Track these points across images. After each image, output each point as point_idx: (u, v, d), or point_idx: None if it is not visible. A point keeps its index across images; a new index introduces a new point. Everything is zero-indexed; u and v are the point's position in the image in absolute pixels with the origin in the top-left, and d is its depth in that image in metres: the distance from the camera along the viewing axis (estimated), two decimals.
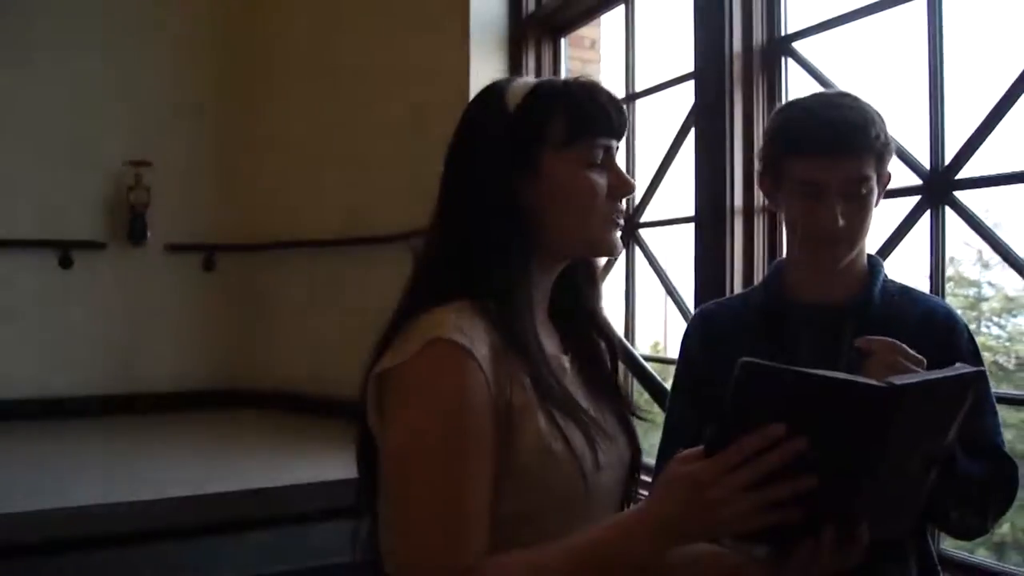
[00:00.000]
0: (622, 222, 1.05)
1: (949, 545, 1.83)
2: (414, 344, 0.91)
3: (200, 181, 4.10)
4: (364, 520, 1.02)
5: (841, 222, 1.29)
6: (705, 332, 1.49)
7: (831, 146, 1.28)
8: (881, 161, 1.31)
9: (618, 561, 0.84)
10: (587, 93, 1.02)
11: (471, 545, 0.86)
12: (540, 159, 1.01)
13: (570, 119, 1.01)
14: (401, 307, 1.01)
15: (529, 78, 1.08)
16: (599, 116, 1.02)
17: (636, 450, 1.08)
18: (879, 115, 1.33)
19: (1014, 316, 2.51)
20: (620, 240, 1.07)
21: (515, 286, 0.99)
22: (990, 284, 2.78)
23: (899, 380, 0.80)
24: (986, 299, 2.87)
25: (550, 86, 1.04)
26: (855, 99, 1.34)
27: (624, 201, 1.07)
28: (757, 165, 1.44)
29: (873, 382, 0.79)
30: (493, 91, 1.06)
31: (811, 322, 1.37)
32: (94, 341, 3.85)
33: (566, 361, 1.06)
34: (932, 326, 1.32)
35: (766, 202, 2.28)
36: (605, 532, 0.86)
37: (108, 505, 2.41)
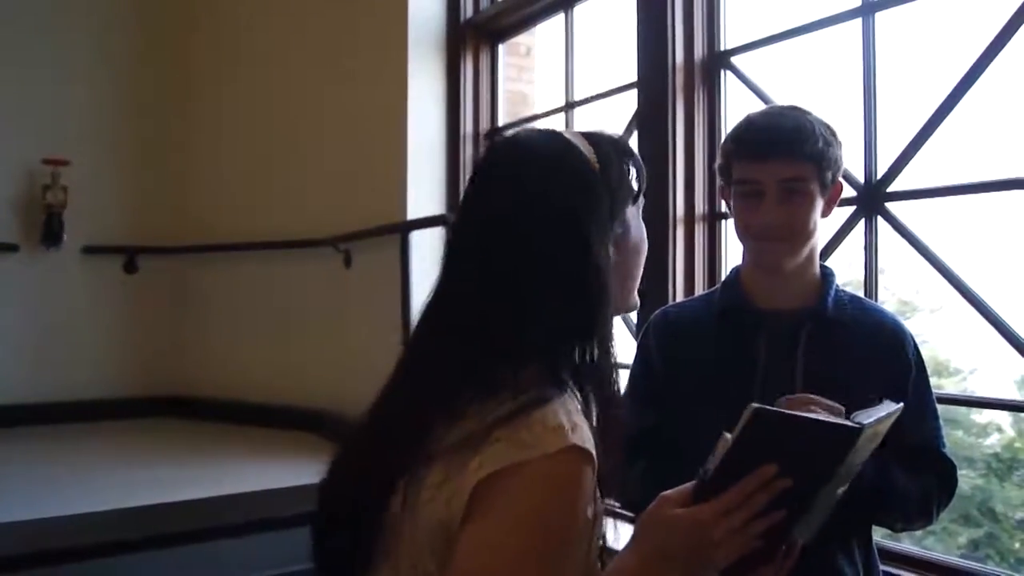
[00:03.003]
0: None
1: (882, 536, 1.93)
2: (546, 443, 0.79)
3: (122, 181, 3.96)
4: None
5: (775, 217, 1.36)
6: (664, 335, 1.52)
7: (764, 148, 1.37)
8: (820, 168, 1.37)
9: None
10: (629, 145, 1.00)
11: None
12: (627, 215, 0.95)
13: (636, 173, 0.97)
14: (450, 371, 0.87)
15: (559, 128, 1.00)
16: (644, 170, 1.00)
17: None
18: (825, 125, 1.40)
19: (907, 318, 2.69)
20: None
21: (614, 363, 0.92)
22: (885, 288, 2.98)
23: (864, 419, 0.93)
24: (882, 303, 3.10)
25: (601, 138, 0.97)
26: (801, 110, 1.42)
27: None
28: (718, 177, 1.50)
29: (848, 423, 0.91)
30: (565, 144, 0.94)
31: (768, 328, 1.42)
32: (8, 347, 3.67)
33: None
34: (881, 335, 1.40)
35: (706, 210, 2.35)
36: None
37: (29, 522, 2.29)
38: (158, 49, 4.05)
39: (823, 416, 0.92)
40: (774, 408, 0.87)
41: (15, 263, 3.71)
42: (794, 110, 1.42)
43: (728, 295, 1.49)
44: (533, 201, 0.90)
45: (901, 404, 1.05)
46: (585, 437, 0.82)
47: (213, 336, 3.97)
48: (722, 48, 2.36)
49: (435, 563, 0.81)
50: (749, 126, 1.43)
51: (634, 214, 0.97)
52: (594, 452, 0.82)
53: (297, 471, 2.71)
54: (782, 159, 1.36)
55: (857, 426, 0.90)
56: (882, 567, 1.45)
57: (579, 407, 0.86)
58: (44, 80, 3.77)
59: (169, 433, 3.73)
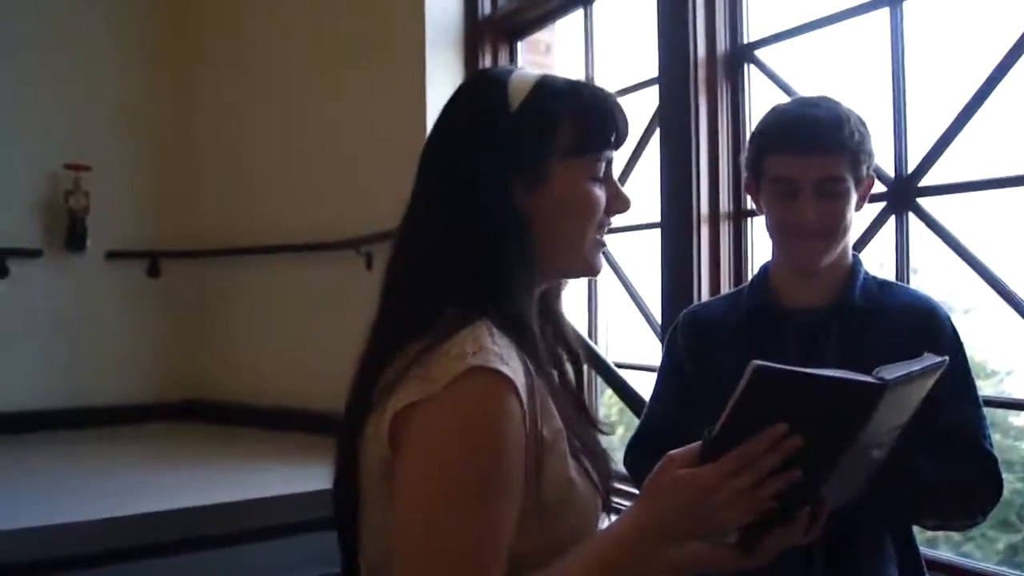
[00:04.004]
0: (607, 241, 0.99)
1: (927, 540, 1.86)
2: (447, 372, 0.81)
3: (143, 186, 3.96)
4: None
5: (812, 217, 1.31)
6: (693, 335, 1.50)
7: (802, 143, 1.31)
8: (856, 162, 1.32)
9: (617, 572, 0.82)
10: (597, 98, 0.94)
11: None
12: (544, 167, 0.91)
13: (579, 126, 0.92)
14: (390, 326, 0.92)
15: (527, 70, 0.97)
16: (608, 126, 0.94)
17: (611, 470, 1.04)
18: (857, 117, 1.36)
19: None
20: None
21: (527, 307, 0.91)
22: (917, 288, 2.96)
23: (887, 374, 0.84)
24: None
25: (556, 85, 0.94)
26: (832, 101, 1.37)
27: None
28: (744, 172, 1.45)
29: (867, 378, 0.83)
30: (492, 82, 0.94)
31: (796, 326, 1.38)
32: (33, 353, 3.67)
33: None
34: (914, 317, 1.35)
35: (731, 208, 2.31)
36: (602, 545, 0.84)
37: (52, 527, 2.28)
38: (178, 55, 4.04)
39: (834, 372, 0.84)
40: (777, 365, 0.81)
41: (39, 268, 3.72)
42: (825, 100, 1.37)
43: (756, 294, 1.46)
44: (437, 138, 0.95)
45: (945, 358, 0.96)
46: (491, 357, 0.81)
47: (235, 339, 3.96)
48: (745, 41, 2.31)
49: (387, 497, 0.84)
50: (781, 117, 1.37)
51: (567, 168, 0.92)
52: (508, 369, 0.81)
53: (319, 475, 2.68)
54: (820, 154, 1.30)
55: (878, 382, 0.83)
56: None
57: (495, 334, 0.85)
58: (65, 86, 3.77)
59: (191, 437, 3.73)
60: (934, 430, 1.23)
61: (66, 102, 3.77)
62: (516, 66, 0.98)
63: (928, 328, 1.32)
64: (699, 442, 0.84)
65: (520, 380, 0.83)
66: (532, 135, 0.91)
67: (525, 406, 0.83)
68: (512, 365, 0.83)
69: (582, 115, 0.92)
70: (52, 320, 3.75)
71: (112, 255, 3.89)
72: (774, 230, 1.41)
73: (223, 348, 3.98)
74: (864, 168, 1.34)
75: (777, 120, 1.38)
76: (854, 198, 1.35)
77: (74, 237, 3.74)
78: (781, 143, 1.34)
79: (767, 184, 1.38)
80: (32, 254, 3.69)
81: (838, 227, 1.34)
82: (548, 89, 0.93)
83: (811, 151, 1.31)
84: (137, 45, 3.98)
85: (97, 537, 2.31)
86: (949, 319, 1.36)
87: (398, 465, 0.83)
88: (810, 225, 1.32)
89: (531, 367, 0.87)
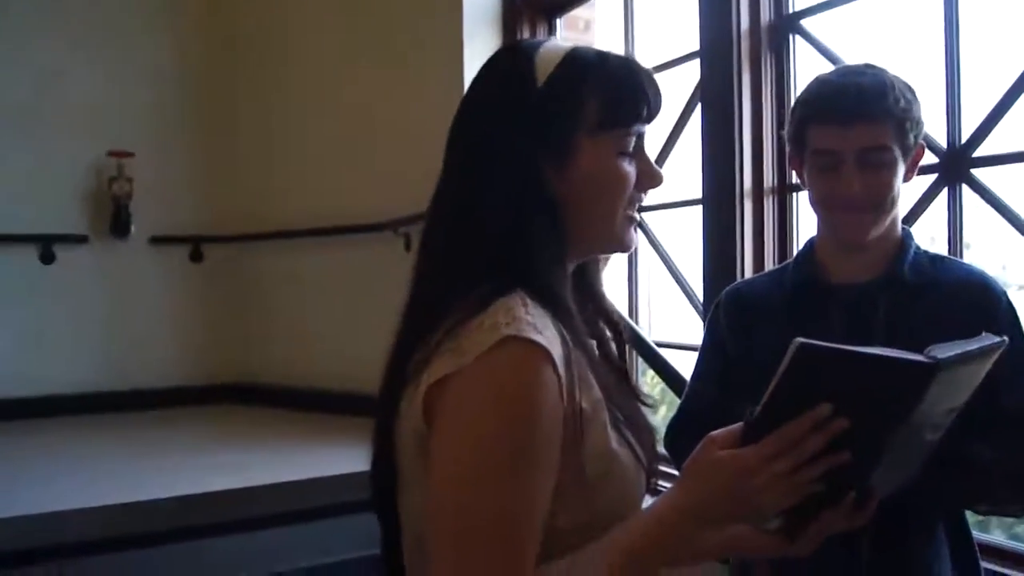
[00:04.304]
0: (639, 216, 0.97)
1: (978, 523, 1.80)
2: (479, 344, 0.79)
3: (185, 171, 3.99)
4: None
5: (857, 188, 1.26)
6: (735, 312, 1.46)
7: (844, 112, 1.27)
8: (902, 130, 1.27)
9: (657, 552, 0.80)
10: (626, 71, 0.92)
11: (528, 564, 0.79)
12: (572, 143, 0.89)
13: (607, 101, 0.90)
14: (423, 303, 0.90)
15: (556, 41, 0.94)
16: (638, 100, 0.91)
17: (655, 442, 1.02)
18: (904, 83, 1.30)
19: None
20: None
21: (560, 280, 0.90)
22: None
23: (940, 353, 0.80)
24: None
25: (584, 58, 0.91)
26: (877, 68, 1.32)
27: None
28: (787, 145, 1.41)
29: (919, 357, 0.79)
30: (519, 57, 0.92)
31: (843, 302, 1.34)
32: (79, 338, 3.74)
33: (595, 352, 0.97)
34: (967, 292, 1.29)
35: (775, 183, 2.25)
36: (640, 525, 0.82)
37: (100, 508, 2.32)
38: (216, 40, 4.06)
39: (883, 350, 0.81)
40: (822, 343, 0.78)
41: (86, 254, 3.78)
42: (870, 67, 1.32)
43: (801, 270, 1.41)
44: (466, 112, 0.94)
45: (1004, 338, 0.92)
46: (524, 327, 0.79)
47: (276, 322, 3.99)
48: (791, 10, 2.24)
49: (423, 472, 0.83)
50: (823, 87, 1.32)
51: (593, 144, 0.90)
52: (543, 338, 0.79)
53: (360, 457, 2.69)
54: (864, 123, 1.25)
55: (931, 361, 0.78)
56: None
57: (528, 304, 0.83)
58: (109, 74, 3.82)
59: (235, 419, 3.78)
60: (992, 411, 1.18)
61: (109, 90, 3.81)
62: (549, 38, 0.95)
63: (982, 304, 1.27)
64: (740, 423, 0.82)
65: (556, 350, 0.81)
66: (558, 110, 0.89)
67: (562, 377, 0.80)
68: (547, 335, 0.81)
69: (610, 89, 0.90)
70: (97, 305, 3.82)
71: (156, 240, 3.94)
72: (818, 204, 1.36)
73: (265, 331, 4.01)
74: (911, 137, 1.28)
75: (819, 90, 1.33)
76: (901, 168, 1.29)
77: (118, 223, 3.79)
78: (823, 113, 1.30)
79: (810, 157, 1.33)
80: (78, 240, 3.75)
81: (885, 199, 1.29)
82: (576, 63, 0.91)
83: (854, 120, 1.26)
84: (176, 33, 4.01)
85: (153, 516, 2.34)
86: (1005, 294, 1.30)
87: (432, 440, 0.81)
88: (855, 198, 1.28)
89: (568, 338, 0.84)
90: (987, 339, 0.90)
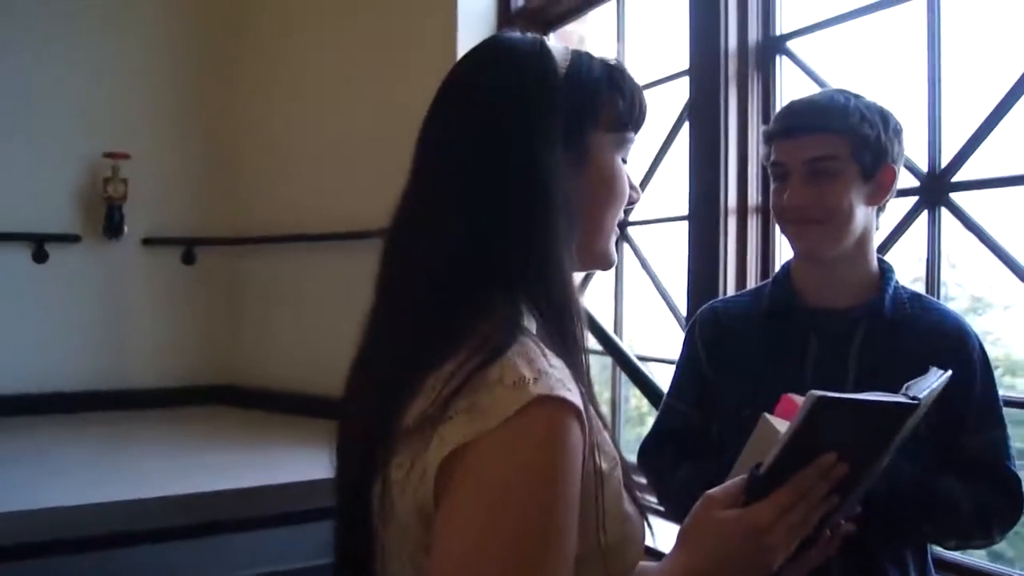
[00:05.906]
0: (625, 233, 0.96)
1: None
2: (504, 404, 0.67)
3: (180, 174, 4.01)
4: None
5: (802, 198, 1.29)
6: (711, 330, 1.47)
7: (792, 126, 1.32)
8: (859, 147, 1.28)
9: None
10: (625, 76, 0.87)
11: None
12: (589, 139, 0.82)
13: (619, 101, 0.84)
14: (414, 335, 0.77)
15: (553, 42, 0.88)
16: (640, 105, 0.87)
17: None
18: (875, 108, 1.31)
19: (979, 315, 2.56)
20: None
21: (576, 302, 0.78)
22: (957, 285, 2.86)
23: (916, 392, 0.86)
24: (952, 299, 2.93)
25: (591, 56, 0.86)
26: (845, 92, 1.34)
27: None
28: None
29: (906, 399, 0.84)
30: (531, 49, 0.83)
31: (820, 327, 1.35)
32: (70, 337, 3.75)
33: None
34: (941, 336, 1.31)
35: (759, 202, 2.28)
36: None
37: (87, 506, 2.33)
38: (215, 43, 4.08)
39: (880, 396, 0.85)
40: (837, 395, 0.79)
41: (78, 254, 3.79)
42: (839, 92, 1.34)
43: (777, 291, 1.42)
44: (468, 101, 0.84)
45: (948, 372, 0.97)
46: (554, 383, 0.69)
47: (268, 326, 4.00)
48: (778, 32, 2.27)
49: (422, 550, 0.72)
50: (784, 107, 1.38)
51: (604, 145, 0.84)
52: (573, 395, 0.69)
53: None
54: (808, 134, 1.29)
55: (914, 401, 0.85)
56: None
57: (542, 349, 0.72)
58: (105, 75, 3.83)
59: (223, 421, 3.78)
60: (958, 453, 1.25)
61: (105, 91, 3.83)
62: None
63: (956, 349, 1.29)
64: (736, 479, 0.83)
65: (579, 401, 0.71)
66: (580, 104, 0.82)
67: (587, 435, 0.71)
68: (571, 387, 0.71)
69: (618, 89, 0.85)
70: (88, 304, 3.82)
71: (148, 242, 3.94)
72: (776, 218, 1.40)
73: (256, 335, 4.02)
74: (869, 156, 1.29)
75: (781, 111, 1.39)
76: (857, 184, 1.29)
77: (112, 224, 3.80)
78: (777, 130, 1.34)
79: (769, 170, 1.38)
80: (71, 240, 3.76)
81: (833, 210, 1.29)
82: (586, 59, 0.86)
83: (800, 132, 1.30)
84: (175, 34, 4.03)
85: (132, 517, 2.35)
86: (979, 340, 1.33)
87: (442, 513, 0.69)
88: (804, 208, 1.29)
89: (586, 387, 0.75)
90: (939, 373, 0.96)
